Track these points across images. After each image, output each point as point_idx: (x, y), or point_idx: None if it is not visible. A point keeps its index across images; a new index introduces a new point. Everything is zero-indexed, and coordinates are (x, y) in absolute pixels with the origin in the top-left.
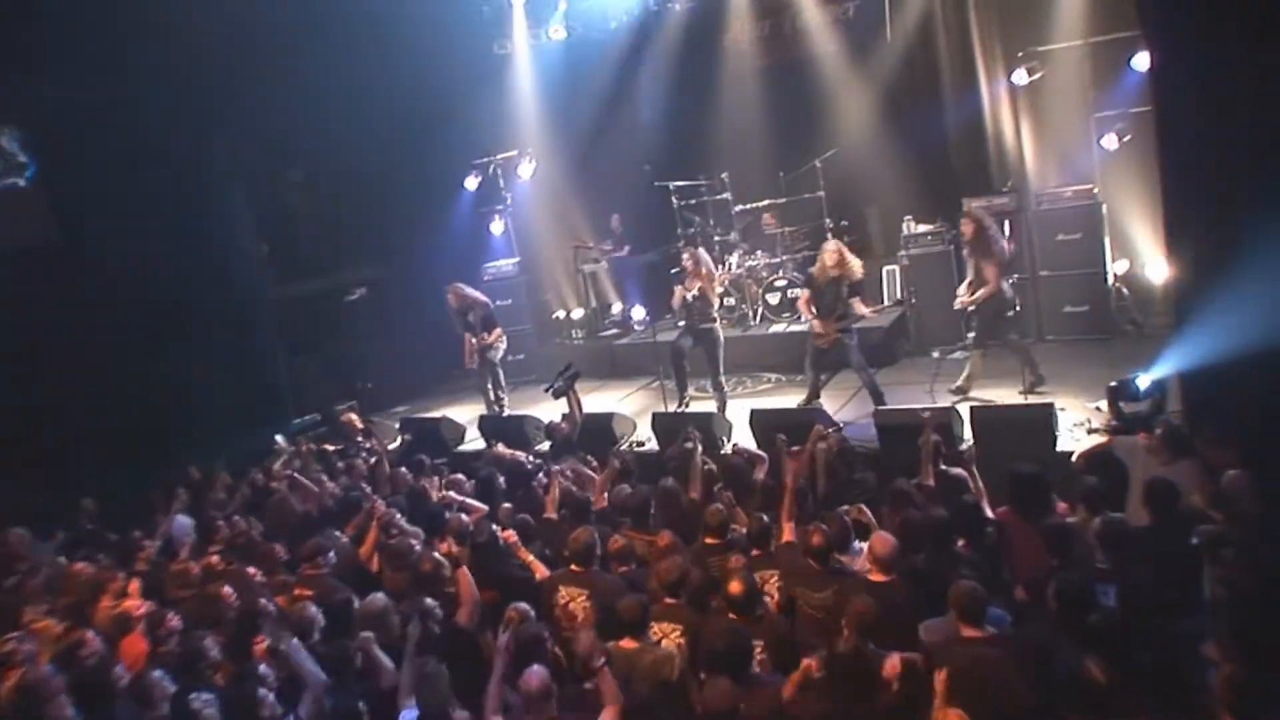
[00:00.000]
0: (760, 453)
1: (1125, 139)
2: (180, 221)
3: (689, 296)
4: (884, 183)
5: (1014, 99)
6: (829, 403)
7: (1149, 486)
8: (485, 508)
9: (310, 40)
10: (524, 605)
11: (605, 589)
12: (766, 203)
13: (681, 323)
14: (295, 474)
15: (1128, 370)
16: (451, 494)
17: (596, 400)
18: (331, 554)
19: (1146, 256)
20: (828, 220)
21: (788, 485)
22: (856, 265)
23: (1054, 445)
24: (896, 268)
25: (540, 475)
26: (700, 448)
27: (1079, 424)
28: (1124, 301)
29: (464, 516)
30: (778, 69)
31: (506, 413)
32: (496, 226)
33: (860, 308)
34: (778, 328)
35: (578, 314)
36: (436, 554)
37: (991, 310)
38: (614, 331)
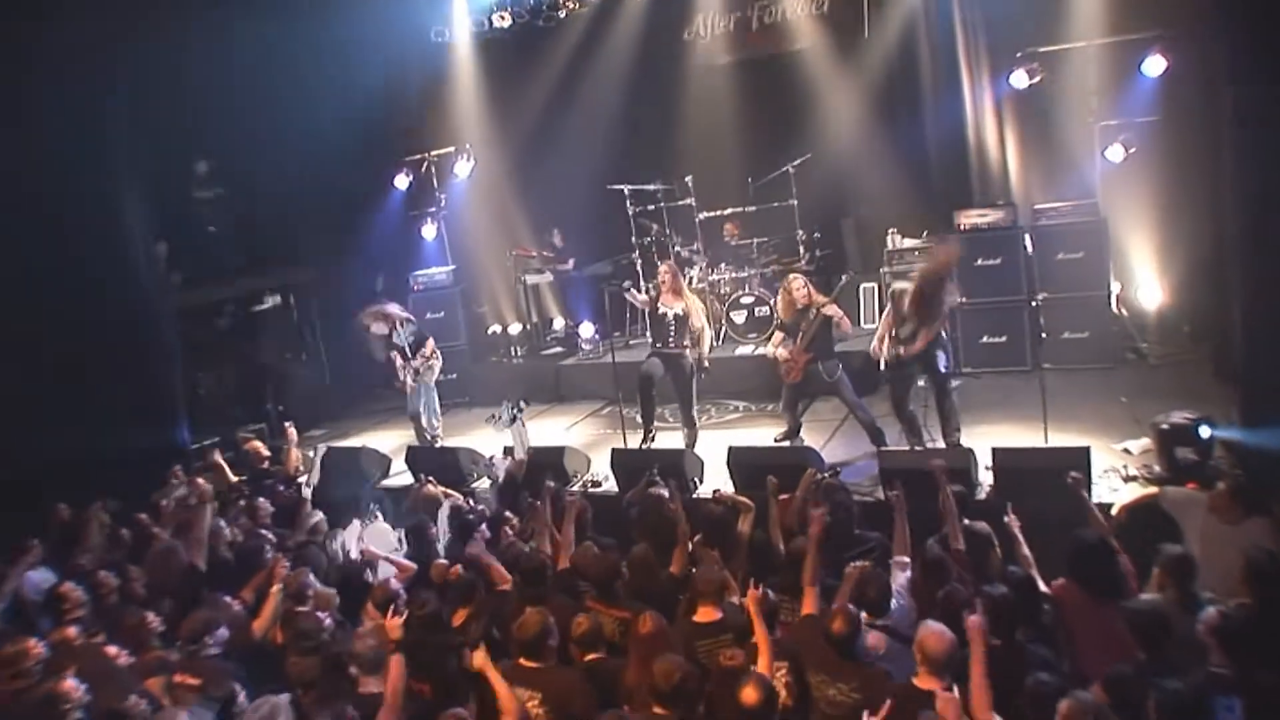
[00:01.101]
0: (745, 499)
1: (1131, 150)
2: (55, 216)
3: (671, 314)
4: (862, 192)
5: (1006, 104)
6: (808, 440)
7: (1257, 561)
8: (415, 566)
9: (222, 17)
10: (463, 714)
11: (564, 691)
12: (730, 211)
13: (643, 340)
14: (192, 515)
15: (1148, 405)
16: (373, 549)
17: (540, 428)
18: (222, 630)
19: (1140, 279)
20: (799, 232)
21: (810, 539)
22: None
23: (1089, 495)
24: (875, 285)
25: (483, 526)
26: (672, 493)
27: (1110, 469)
28: (1121, 327)
29: (392, 582)
30: (747, 66)
31: (440, 443)
32: (429, 230)
33: (845, 325)
34: (744, 350)
35: (516, 329)
36: (361, 637)
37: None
38: (558, 350)
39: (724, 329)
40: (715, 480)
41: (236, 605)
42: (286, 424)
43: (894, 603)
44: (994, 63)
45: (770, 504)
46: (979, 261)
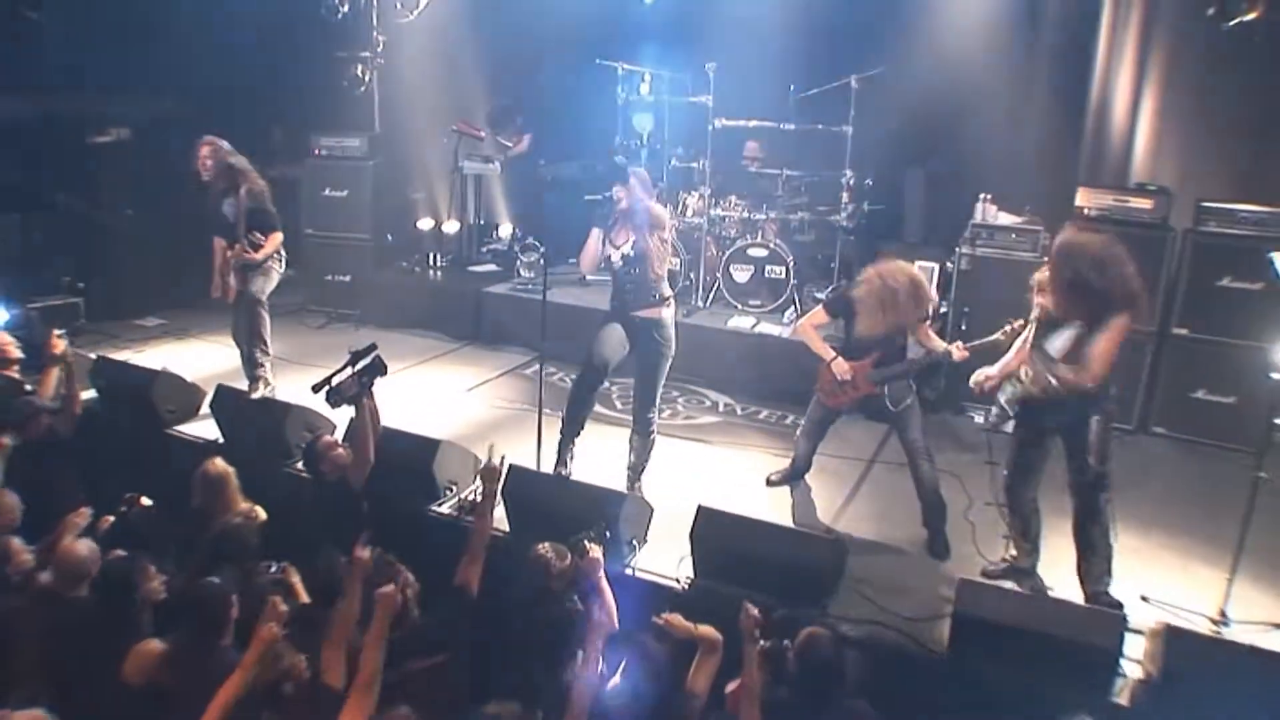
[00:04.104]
0: (711, 634)
1: None
2: None
3: (619, 256)
4: (946, 139)
5: (1169, 52)
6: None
7: None
8: None
9: None
10: None
11: None
12: (758, 124)
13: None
14: None
15: None
16: None
17: (427, 381)
18: None
19: None
20: (847, 173)
21: None
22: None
23: None
24: (937, 266)
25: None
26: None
27: None
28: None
29: None
30: None
31: (265, 391)
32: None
33: (934, 341)
34: (739, 322)
35: (452, 229)
36: None
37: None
38: (490, 268)
39: (717, 284)
40: (665, 537)
41: None
42: (57, 334)
43: None
44: None
45: (744, 645)
46: None
